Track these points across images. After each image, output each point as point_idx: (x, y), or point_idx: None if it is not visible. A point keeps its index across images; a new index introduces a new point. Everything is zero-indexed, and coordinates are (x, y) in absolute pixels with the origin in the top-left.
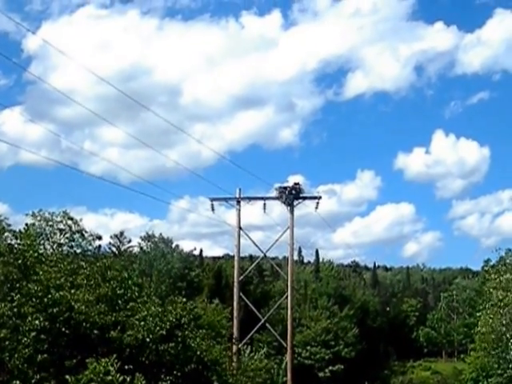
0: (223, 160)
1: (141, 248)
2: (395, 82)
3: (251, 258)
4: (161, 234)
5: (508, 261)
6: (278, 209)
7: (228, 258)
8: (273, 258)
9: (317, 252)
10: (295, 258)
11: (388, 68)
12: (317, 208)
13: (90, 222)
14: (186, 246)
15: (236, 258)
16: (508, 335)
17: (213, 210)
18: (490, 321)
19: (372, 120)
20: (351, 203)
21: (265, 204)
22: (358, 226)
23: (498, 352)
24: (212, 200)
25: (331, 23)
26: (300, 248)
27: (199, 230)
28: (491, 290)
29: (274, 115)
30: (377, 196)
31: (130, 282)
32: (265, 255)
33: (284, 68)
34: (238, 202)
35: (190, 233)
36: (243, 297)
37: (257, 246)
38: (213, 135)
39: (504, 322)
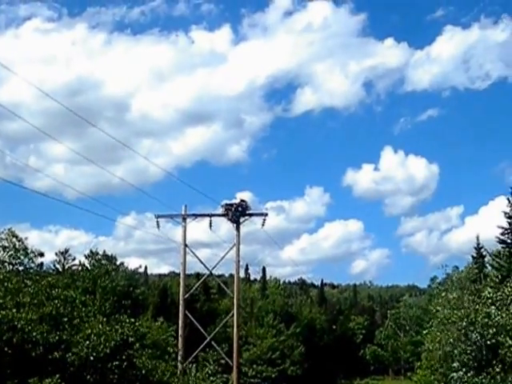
0: (170, 176)
1: (84, 265)
2: (344, 98)
3: (197, 275)
4: (104, 251)
5: (454, 278)
6: (224, 226)
7: (174, 275)
8: (219, 276)
9: (263, 269)
10: (242, 275)
11: (337, 84)
12: (263, 225)
13: (34, 238)
14: (132, 263)
15: (182, 275)
16: (455, 352)
17: (158, 227)
18: (437, 338)
19: (321, 136)
20: (299, 220)
21: (211, 221)
22: (305, 242)
23: (444, 370)
24: (157, 217)
25: (281, 38)
26: (247, 265)
27: (145, 247)
28: (438, 307)
29: (222, 131)
30: (325, 212)
31: (74, 300)
32: (211, 273)
33: (233, 83)
34: (184, 219)
35: (136, 250)
36: (189, 315)
37: (203, 263)
38: (160, 151)
39: (451, 339)
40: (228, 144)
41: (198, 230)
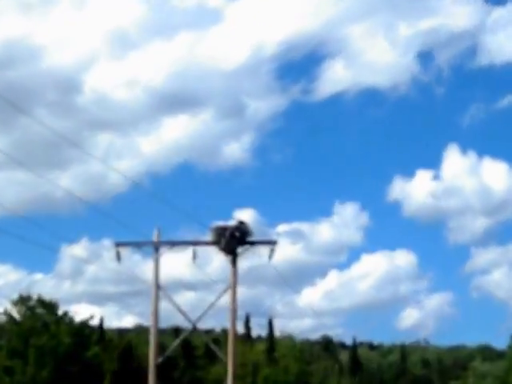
0: (138, 187)
1: (11, 316)
2: (391, 75)
3: (176, 331)
4: (40, 295)
5: None
6: (215, 259)
7: (141, 330)
8: (207, 332)
9: (270, 323)
10: (240, 330)
11: (380, 55)
12: (271, 258)
13: None
14: (82, 312)
15: (152, 330)
16: None
17: (119, 259)
18: None
19: (357, 130)
20: (325, 250)
21: (195, 252)
22: (333, 284)
23: None
24: (118, 245)
25: None
26: (247, 316)
27: (101, 289)
28: None
29: (214, 122)
30: (362, 240)
31: None
32: (195, 327)
33: (230, 53)
34: (157, 249)
35: (88, 293)
36: None
37: (183, 313)
38: (125, 150)
39: None
40: (223, 140)
41: (176, 264)
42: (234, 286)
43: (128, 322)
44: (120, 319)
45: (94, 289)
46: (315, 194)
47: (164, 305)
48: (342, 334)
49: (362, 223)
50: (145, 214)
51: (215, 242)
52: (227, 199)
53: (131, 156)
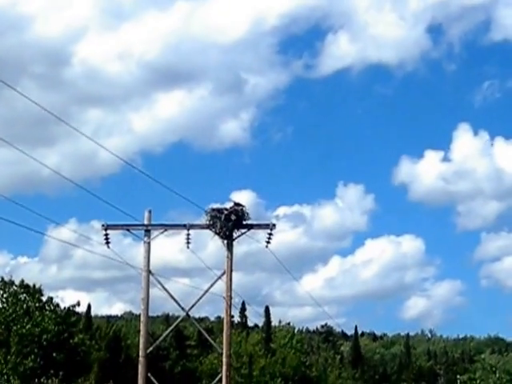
0: (129, 167)
1: None
2: (399, 49)
3: (167, 319)
4: (23, 280)
5: None
6: (210, 244)
7: (131, 318)
8: (200, 320)
9: (267, 311)
10: (236, 319)
11: (387, 29)
12: (268, 242)
13: None
14: (68, 298)
15: (143, 318)
16: None
17: (108, 243)
18: None
19: (363, 108)
20: (327, 235)
21: (189, 236)
22: (335, 270)
23: None
24: (106, 228)
25: None
26: (243, 304)
27: (89, 274)
28: None
29: (211, 98)
30: (367, 224)
31: None
32: (188, 315)
33: (229, 26)
34: (148, 232)
35: (75, 279)
36: (153, 379)
37: (175, 300)
38: (116, 127)
39: None
40: (220, 118)
41: (169, 249)
42: (229, 272)
43: (117, 309)
44: (109, 306)
45: (81, 274)
46: (317, 176)
47: (155, 292)
48: (343, 323)
49: (366, 207)
50: (136, 195)
51: (210, 226)
52: (224, 180)
53: (123, 134)
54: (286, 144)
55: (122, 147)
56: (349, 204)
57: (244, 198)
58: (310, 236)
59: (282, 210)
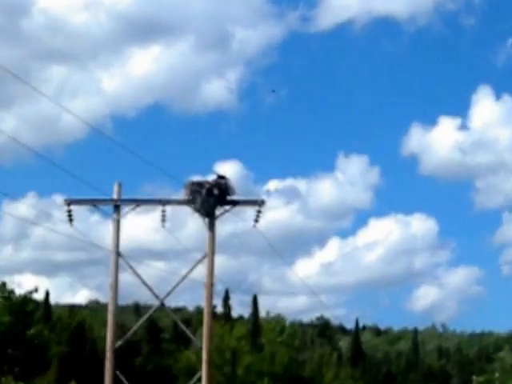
0: (97, 133)
1: None
2: (409, 1)
3: (139, 308)
4: None
5: None
6: (190, 222)
7: (97, 307)
8: (177, 310)
9: (254, 300)
10: (218, 309)
11: None
12: (257, 221)
13: None
14: (25, 283)
15: (111, 307)
16: None
17: (71, 220)
18: None
19: (367, 67)
20: (325, 213)
21: (164, 212)
22: (333, 254)
23: None
24: (70, 203)
25: None
26: (227, 292)
27: (49, 256)
28: None
29: (193, 54)
30: (371, 201)
31: None
32: (162, 304)
33: None
34: (117, 208)
35: (33, 261)
36: (122, 378)
37: (149, 287)
38: (82, 87)
39: None
40: (203, 78)
41: (142, 228)
42: (211, 256)
43: (81, 297)
44: (72, 294)
45: (40, 256)
46: (314, 145)
47: (125, 277)
48: (342, 315)
49: (370, 181)
50: (105, 165)
51: (189, 202)
52: (206, 150)
53: (90, 94)
54: (278, 108)
55: (90, 110)
56: (350, 178)
57: (229, 169)
58: (305, 214)
59: (272, 184)
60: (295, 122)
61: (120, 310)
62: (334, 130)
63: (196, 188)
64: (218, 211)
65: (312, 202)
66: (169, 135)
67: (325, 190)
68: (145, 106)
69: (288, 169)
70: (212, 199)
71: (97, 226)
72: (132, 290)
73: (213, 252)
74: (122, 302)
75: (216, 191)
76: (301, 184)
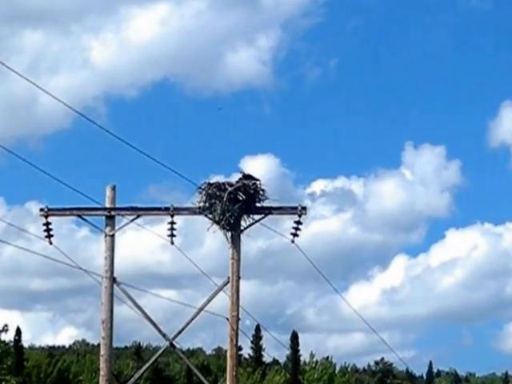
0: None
1: None
2: None
3: (139, 352)
4: None
5: None
6: (209, 238)
7: (85, 350)
8: (191, 352)
9: (294, 339)
10: (245, 351)
11: None
12: (296, 235)
13: None
14: None
15: (103, 350)
16: None
17: (50, 236)
18: None
19: (446, 29)
20: (388, 223)
21: (173, 224)
22: (398, 278)
23: None
24: (48, 213)
25: None
26: (258, 329)
27: (22, 283)
28: None
29: (211, 14)
30: (449, 207)
31: None
32: (172, 345)
33: None
34: (111, 219)
35: (1, 290)
36: None
37: (153, 322)
38: (65, 58)
39: None
40: (226, 44)
41: (145, 245)
42: (236, 281)
43: (64, 336)
44: (53, 333)
45: (10, 283)
46: (373, 134)
47: (123, 310)
48: (410, 358)
49: (448, 180)
50: (96, 163)
51: (206, 210)
52: (231, 141)
53: (76, 69)
54: (326, 86)
55: (75, 90)
56: (422, 176)
57: (261, 167)
58: (362, 225)
59: (318, 185)
60: (348, 104)
61: (116, 354)
62: (399, 114)
63: (215, 192)
64: (244, 223)
65: (371, 209)
66: (180, 123)
67: (387, 193)
68: (149, 83)
69: (339, 165)
70: (237, 207)
71: (85, 244)
72: (132, 328)
73: (238, 276)
74: (118, 343)
75: (241, 196)
76: (356, 185)
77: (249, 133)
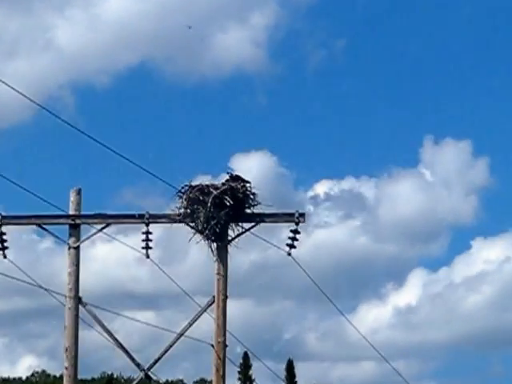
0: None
1: None
2: None
3: (109, 383)
4: None
5: None
6: (192, 250)
7: (47, 381)
8: None
9: (290, 368)
10: (232, 382)
11: None
12: (292, 246)
13: None
14: None
15: (66, 379)
16: None
17: (3, 248)
18: None
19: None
20: (404, 232)
21: (149, 235)
22: (417, 295)
23: None
24: (1, 222)
25: None
26: (246, 357)
27: None
28: None
29: None
30: (475, 213)
31: None
32: (147, 377)
33: None
34: (75, 228)
35: None
36: None
37: (125, 350)
38: (24, 38)
39: None
40: (215, 23)
41: (116, 259)
42: (222, 301)
43: (22, 366)
44: (8, 362)
45: None
46: (387, 127)
47: (91, 336)
48: None
49: (474, 180)
50: (59, 164)
51: (187, 217)
52: (220, 136)
53: (36, 51)
54: (331, 72)
55: (37, 76)
56: (443, 176)
57: (255, 165)
58: (373, 233)
59: (322, 187)
60: (356, 93)
61: None
62: (416, 103)
63: (198, 196)
64: (232, 232)
65: (383, 215)
66: (160, 115)
67: (403, 197)
68: (124, 69)
69: (346, 164)
70: (223, 213)
71: (48, 258)
72: (101, 356)
73: (225, 295)
74: (85, 374)
75: (228, 201)
76: (366, 187)
77: (241, 126)
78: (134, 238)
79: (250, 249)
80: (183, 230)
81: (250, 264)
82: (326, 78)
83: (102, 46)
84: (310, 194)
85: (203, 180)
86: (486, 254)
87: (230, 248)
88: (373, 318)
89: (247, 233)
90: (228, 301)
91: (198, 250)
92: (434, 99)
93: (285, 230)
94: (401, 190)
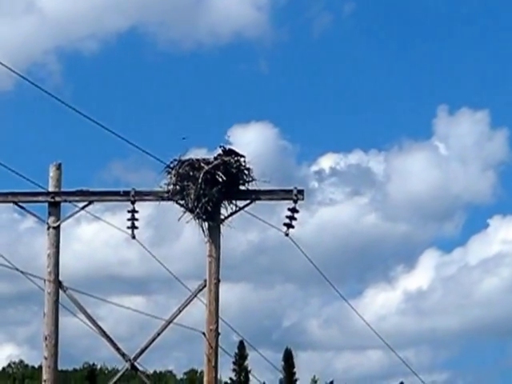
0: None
1: None
2: None
3: (93, 375)
4: None
5: None
6: (184, 230)
7: (24, 372)
8: (159, 376)
9: (288, 358)
10: (226, 375)
11: None
12: (290, 226)
13: None
14: None
15: (46, 375)
16: None
17: None
18: None
19: None
20: (415, 210)
21: (135, 213)
22: (428, 278)
23: None
24: None
25: None
26: (242, 346)
27: None
28: None
29: None
30: (493, 190)
31: None
32: (134, 367)
33: None
34: (55, 207)
35: None
36: None
37: (110, 339)
38: (6, 2)
39: None
40: None
41: (101, 240)
42: (214, 285)
43: (1, 356)
44: None
45: None
46: (397, 96)
47: (73, 324)
48: (442, 382)
49: (492, 154)
50: (40, 137)
51: (176, 195)
52: (216, 105)
53: (19, 16)
54: (338, 37)
55: (19, 42)
56: (459, 150)
57: (255, 138)
58: (383, 211)
59: (327, 162)
60: (365, 60)
61: (63, 378)
62: (429, 70)
63: (188, 172)
64: (225, 210)
65: (394, 192)
66: (153, 83)
67: (415, 171)
68: (113, 34)
69: (353, 136)
70: (215, 190)
71: (27, 238)
72: (84, 346)
73: (217, 279)
74: (66, 364)
75: (221, 176)
76: (375, 161)
77: (240, 96)
78: (122, 216)
79: (248, 229)
80: (174, 208)
81: (248, 245)
82: (332, 45)
83: (90, 10)
84: (314, 168)
85: (198, 154)
86: (505, 233)
87: (222, 228)
88: (381, 303)
89: (244, 212)
90: (222, 285)
91: (190, 230)
92: (448, 66)
93: (280, 209)
94: (412, 164)
